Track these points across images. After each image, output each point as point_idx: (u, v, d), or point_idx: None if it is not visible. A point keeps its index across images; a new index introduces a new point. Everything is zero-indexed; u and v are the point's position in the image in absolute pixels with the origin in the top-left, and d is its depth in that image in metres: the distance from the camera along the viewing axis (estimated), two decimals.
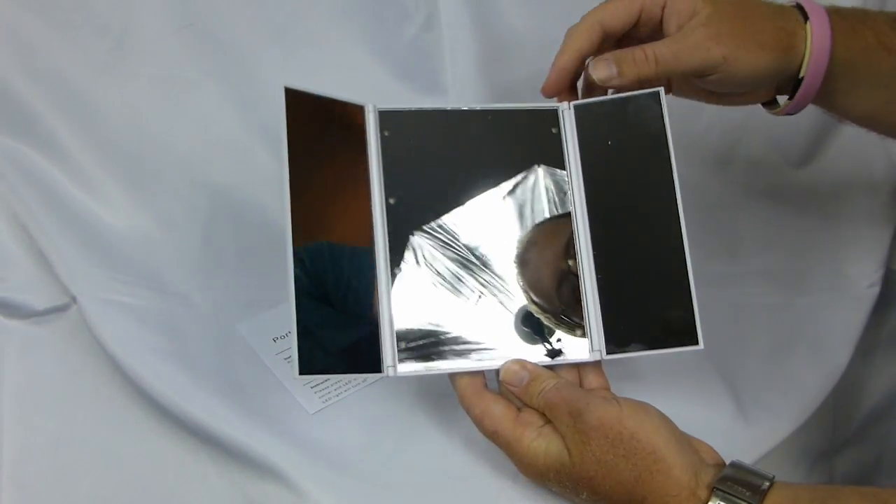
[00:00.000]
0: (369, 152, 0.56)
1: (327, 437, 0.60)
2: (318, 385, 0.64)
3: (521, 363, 0.55)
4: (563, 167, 0.59)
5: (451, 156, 0.58)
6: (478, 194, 0.58)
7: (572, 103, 0.59)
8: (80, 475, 0.59)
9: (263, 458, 0.57)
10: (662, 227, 0.58)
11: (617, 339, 0.56)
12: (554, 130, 0.59)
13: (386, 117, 0.57)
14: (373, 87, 0.76)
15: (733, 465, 0.51)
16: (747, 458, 0.54)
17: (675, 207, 0.58)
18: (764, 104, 0.63)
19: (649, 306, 0.57)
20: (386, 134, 0.56)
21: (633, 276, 0.58)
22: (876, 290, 0.75)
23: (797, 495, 0.50)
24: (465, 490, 0.57)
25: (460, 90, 0.77)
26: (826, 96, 0.60)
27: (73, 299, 0.64)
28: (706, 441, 0.54)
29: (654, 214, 0.58)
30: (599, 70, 0.57)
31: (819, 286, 0.75)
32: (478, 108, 0.59)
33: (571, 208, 0.58)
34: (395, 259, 0.56)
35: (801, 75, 0.58)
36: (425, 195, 0.57)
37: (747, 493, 0.49)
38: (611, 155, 0.59)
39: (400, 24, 0.76)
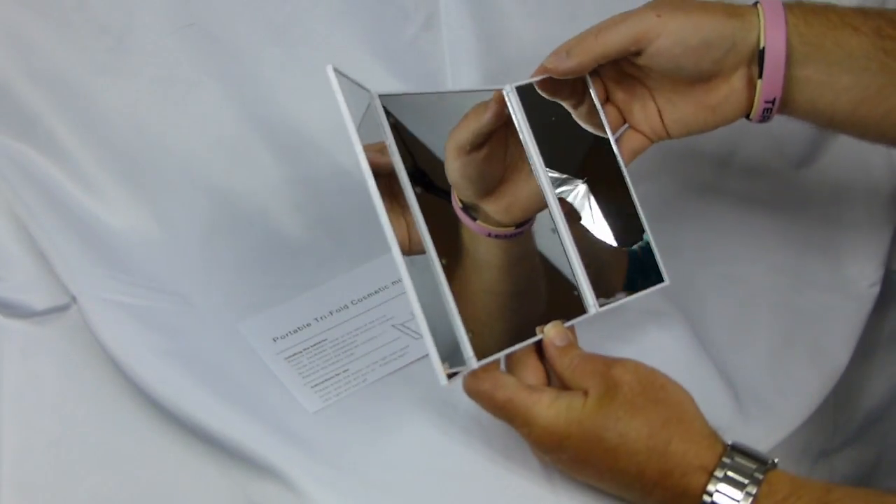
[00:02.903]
0: (386, 140, 0.54)
1: (327, 437, 0.60)
2: (318, 385, 0.64)
3: (565, 329, 0.56)
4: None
5: (439, 138, 0.58)
6: None
7: (514, 85, 0.60)
8: (80, 475, 0.59)
9: (263, 457, 0.57)
10: (614, 186, 0.62)
11: (603, 292, 0.60)
12: (506, 112, 0.60)
13: (392, 101, 0.55)
14: (372, 87, 0.76)
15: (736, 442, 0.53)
16: None
17: (618, 165, 0.62)
18: (747, 118, 0.61)
19: (622, 251, 0.62)
20: (395, 121, 0.55)
21: (602, 235, 0.61)
22: (876, 290, 0.75)
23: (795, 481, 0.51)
24: (466, 490, 0.57)
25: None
26: (803, 85, 0.58)
27: (73, 299, 0.64)
28: None
29: (604, 175, 0.62)
30: (551, 60, 0.59)
31: (819, 286, 0.75)
32: (443, 91, 0.60)
33: (539, 183, 0.60)
34: (443, 250, 0.54)
35: (761, 46, 0.57)
36: (441, 177, 0.57)
37: (760, 456, 0.51)
38: (556, 129, 0.61)
39: (400, 24, 0.77)
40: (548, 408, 0.53)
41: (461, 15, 0.76)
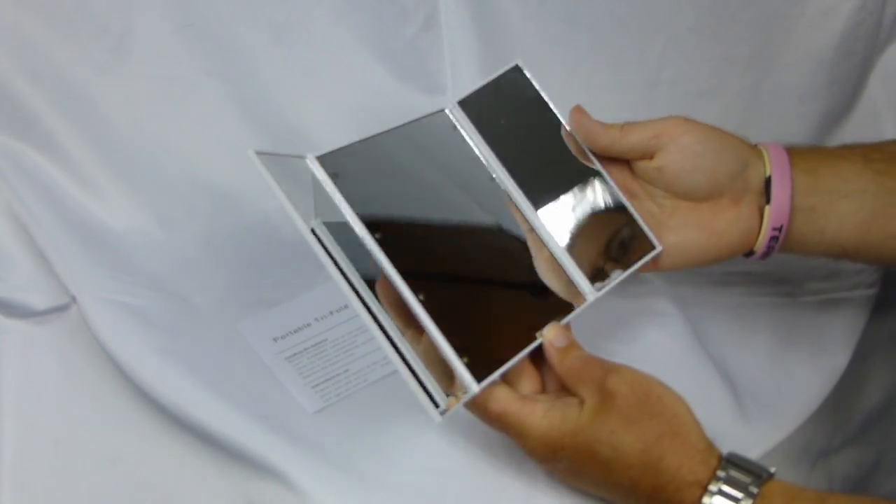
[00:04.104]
0: (335, 200, 0.54)
1: (327, 437, 0.60)
2: (318, 385, 0.64)
3: (564, 329, 0.56)
4: (476, 159, 0.61)
5: (395, 176, 0.58)
6: (438, 205, 0.58)
7: (457, 101, 0.61)
8: (80, 475, 0.59)
9: (263, 458, 0.57)
10: (583, 174, 0.62)
11: (597, 277, 0.60)
12: (454, 129, 0.61)
13: (330, 160, 0.55)
14: (372, 87, 0.76)
15: (732, 453, 0.52)
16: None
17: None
18: (746, 255, 0.62)
19: (607, 240, 0.61)
20: (336, 175, 0.54)
21: (583, 223, 0.61)
22: (875, 290, 0.75)
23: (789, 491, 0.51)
24: (465, 490, 0.57)
25: (460, 90, 0.77)
26: (808, 215, 0.60)
27: (73, 299, 0.64)
28: None
29: (570, 166, 0.62)
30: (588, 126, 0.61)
31: (819, 286, 0.75)
32: (387, 130, 0.58)
33: (504, 191, 0.60)
34: (418, 286, 0.53)
35: (767, 174, 0.59)
36: (403, 221, 0.56)
37: (756, 468, 0.51)
38: (510, 130, 0.62)
39: (400, 23, 0.76)
40: (541, 419, 0.53)
41: (461, 15, 0.76)
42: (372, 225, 0.54)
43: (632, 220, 0.61)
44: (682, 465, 0.50)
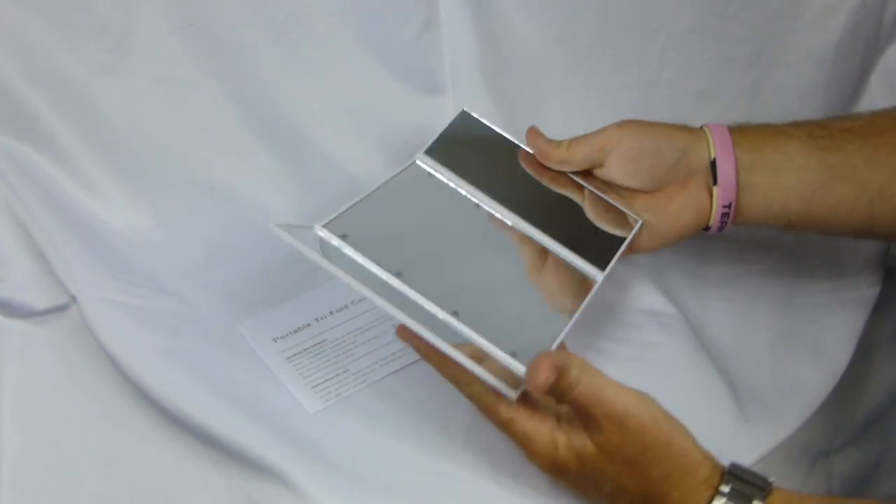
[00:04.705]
0: (355, 259, 0.57)
1: (328, 437, 0.60)
2: (318, 385, 0.64)
3: (546, 361, 0.50)
4: (457, 193, 0.65)
5: (394, 225, 0.62)
6: (440, 237, 0.62)
7: (423, 152, 0.66)
8: (80, 475, 0.59)
9: (264, 458, 0.57)
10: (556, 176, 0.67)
11: (597, 260, 0.63)
12: (429, 176, 0.65)
13: (334, 225, 0.59)
14: (372, 87, 0.76)
15: (734, 464, 0.52)
16: (748, 457, 0.54)
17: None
18: (704, 230, 0.66)
19: (590, 226, 0.65)
20: (346, 236, 0.58)
21: (565, 220, 0.65)
22: (876, 290, 0.75)
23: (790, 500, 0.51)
24: (466, 490, 0.57)
25: (460, 90, 0.77)
26: (755, 191, 0.63)
27: (73, 299, 0.64)
28: (706, 441, 0.54)
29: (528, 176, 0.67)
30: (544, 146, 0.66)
31: (819, 286, 0.75)
32: (372, 191, 0.63)
33: (494, 213, 0.64)
34: (447, 304, 0.56)
35: (712, 157, 0.63)
36: (416, 256, 0.59)
37: (759, 480, 0.51)
38: (477, 163, 0.67)
39: (400, 24, 0.76)
40: (547, 439, 0.53)
41: (461, 15, 0.76)
42: (392, 269, 0.57)
43: (610, 207, 0.65)
44: (685, 499, 0.51)
